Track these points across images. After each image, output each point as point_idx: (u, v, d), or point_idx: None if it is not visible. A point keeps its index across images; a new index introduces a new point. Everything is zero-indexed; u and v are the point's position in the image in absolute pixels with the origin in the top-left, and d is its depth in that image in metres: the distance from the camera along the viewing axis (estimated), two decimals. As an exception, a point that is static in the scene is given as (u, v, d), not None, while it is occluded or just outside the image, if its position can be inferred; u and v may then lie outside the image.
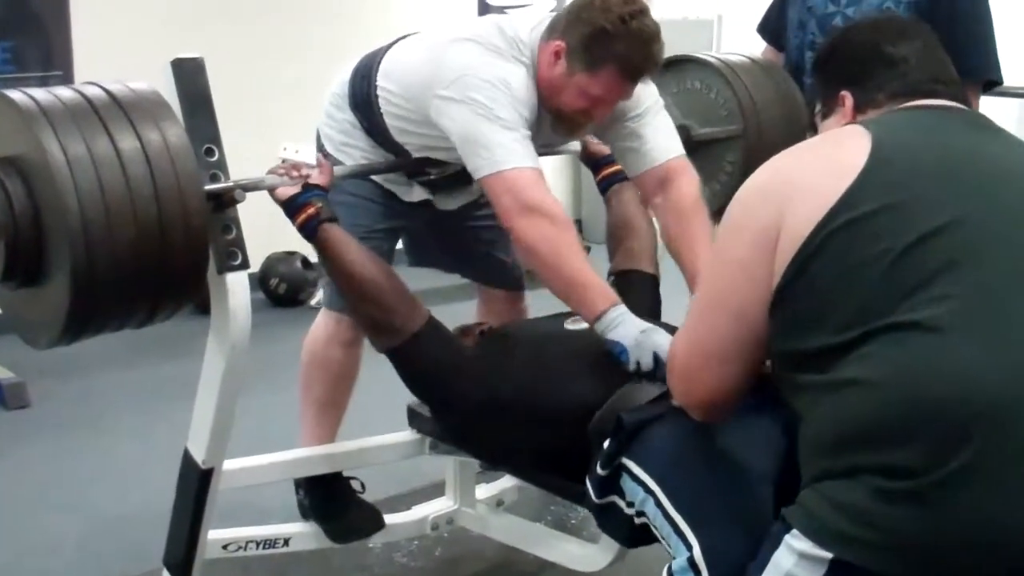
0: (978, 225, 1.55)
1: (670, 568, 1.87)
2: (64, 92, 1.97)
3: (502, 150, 2.36)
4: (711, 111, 2.97)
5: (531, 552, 2.86)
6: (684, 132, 2.97)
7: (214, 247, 2.16)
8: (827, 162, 1.63)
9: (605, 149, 2.81)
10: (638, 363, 2.18)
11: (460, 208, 2.99)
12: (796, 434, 1.71)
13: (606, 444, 2.04)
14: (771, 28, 3.26)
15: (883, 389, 1.48)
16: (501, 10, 6.69)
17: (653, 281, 2.64)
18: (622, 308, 2.26)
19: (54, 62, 5.08)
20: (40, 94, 1.95)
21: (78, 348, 2.18)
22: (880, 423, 1.48)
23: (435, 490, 3.16)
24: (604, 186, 2.83)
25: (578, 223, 7.14)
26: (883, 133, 1.63)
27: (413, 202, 2.92)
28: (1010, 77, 3.05)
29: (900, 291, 1.50)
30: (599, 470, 2.04)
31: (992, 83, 3.01)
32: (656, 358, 2.15)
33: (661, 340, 2.17)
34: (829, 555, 1.48)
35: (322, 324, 2.96)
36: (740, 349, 1.69)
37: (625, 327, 2.22)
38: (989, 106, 5.14)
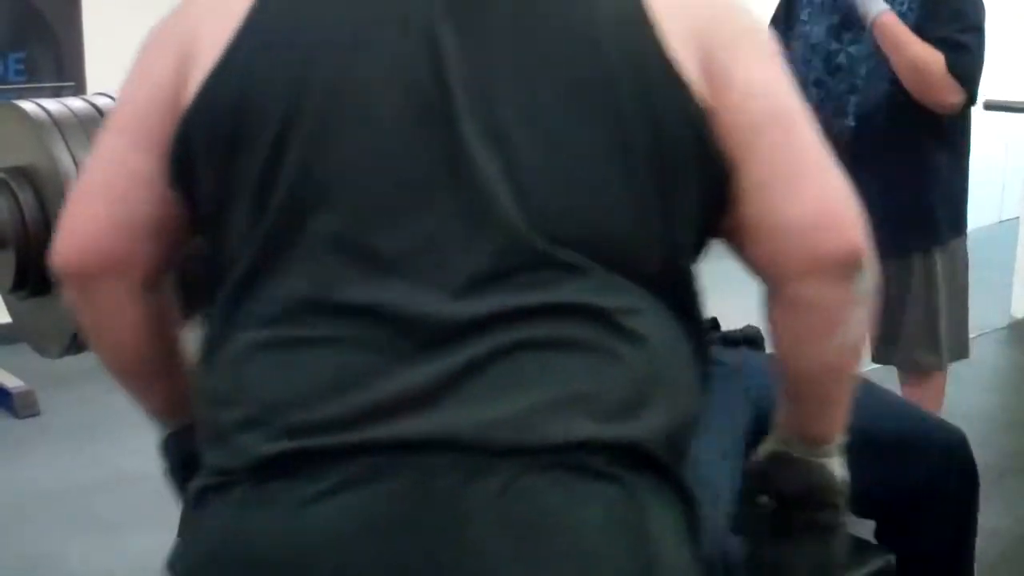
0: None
1: None
2: (75, 102, 1.98)
3: None
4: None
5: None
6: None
7: (224, 258, 2.16)
8: (214, 12, 1.23)
9: None
10: None
11: None
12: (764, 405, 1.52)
13: None
14: (780, 29, 3.23)
15: None
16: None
17: None
18: None
19: (66, 72, 5.09)
20: (51, 104, 1.96)
21: (88, 357, 2.18)
22: None
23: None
24: None
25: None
26: None
27: None
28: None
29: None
30: None
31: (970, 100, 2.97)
32: None
33: None
34: None
35: None
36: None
37: None
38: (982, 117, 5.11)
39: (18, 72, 4.97)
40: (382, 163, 1.14)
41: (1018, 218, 6.13)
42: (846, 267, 1.16)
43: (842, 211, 1.17)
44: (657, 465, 1.12)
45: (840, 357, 1.24)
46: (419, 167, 1.13)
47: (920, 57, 2.86)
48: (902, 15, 2.88)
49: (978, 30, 2.91)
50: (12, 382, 4.37)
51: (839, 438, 1.34)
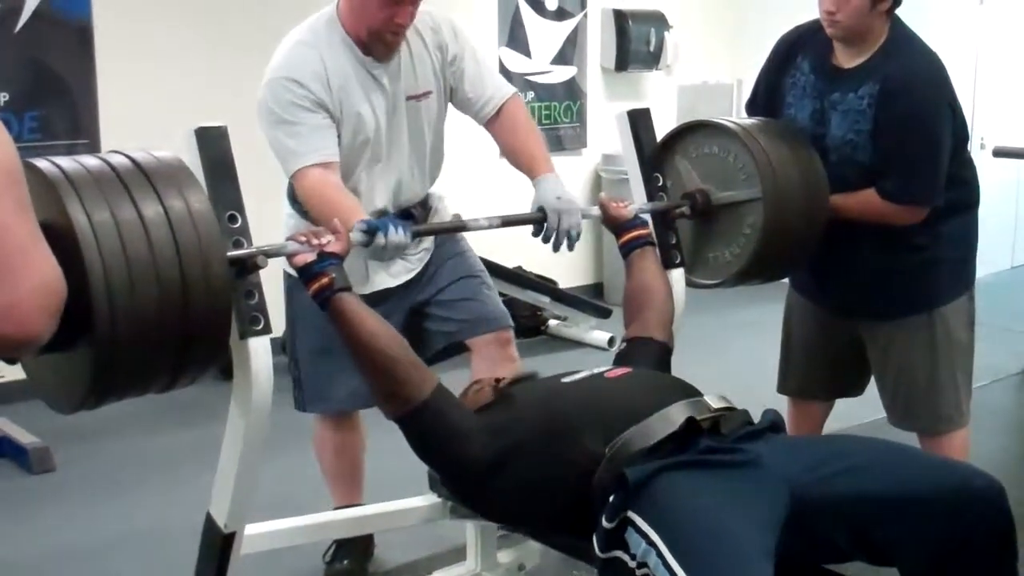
0: None
1: None
2: (89, 160, 2.00)
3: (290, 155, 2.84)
4: (730, 175, 2.98)
5: (553, 617, 2.84)
6: (704, 196, 2.99)
7: (236, 312, 2.18)
8: None
9: (628, 213, 2.83)
10: None
11: (403, 284, 3.12)
12: (799, 487, 1.85)
13: (611, 498, 2.07)
14: (760, 108, 3.24)
15: None
16: (523, 76, 6.71)
17: (664, 349, 2.63)
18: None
19: (81, 130, 5.14)
20: (66, 162, 1.98)
21: (102, 413, 2.19)
22: None
23: (456, 555, 3.15)
24: (626, 250, 2.84)
25: (599, 286, 7.15)
26: None
27: (366, 294, 2.98)
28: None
29: None
30: (605, 523, 2.07)
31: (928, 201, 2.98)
32: None
33: None
34: None
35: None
36: None
37: None
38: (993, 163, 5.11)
39: (33, 130, 5.01)
40: None
41: (1030, 264, 6.13)
42: None
43: None
44: None
45: None
46: None
47: (868, 211, 2.97)
48: (861, 111, 2.92)
49: (927, 142, 2.92)
50: (27, 438, 4.37)
51: None
